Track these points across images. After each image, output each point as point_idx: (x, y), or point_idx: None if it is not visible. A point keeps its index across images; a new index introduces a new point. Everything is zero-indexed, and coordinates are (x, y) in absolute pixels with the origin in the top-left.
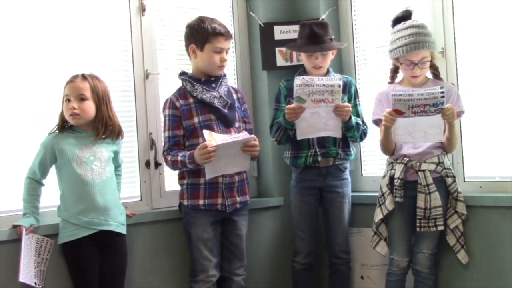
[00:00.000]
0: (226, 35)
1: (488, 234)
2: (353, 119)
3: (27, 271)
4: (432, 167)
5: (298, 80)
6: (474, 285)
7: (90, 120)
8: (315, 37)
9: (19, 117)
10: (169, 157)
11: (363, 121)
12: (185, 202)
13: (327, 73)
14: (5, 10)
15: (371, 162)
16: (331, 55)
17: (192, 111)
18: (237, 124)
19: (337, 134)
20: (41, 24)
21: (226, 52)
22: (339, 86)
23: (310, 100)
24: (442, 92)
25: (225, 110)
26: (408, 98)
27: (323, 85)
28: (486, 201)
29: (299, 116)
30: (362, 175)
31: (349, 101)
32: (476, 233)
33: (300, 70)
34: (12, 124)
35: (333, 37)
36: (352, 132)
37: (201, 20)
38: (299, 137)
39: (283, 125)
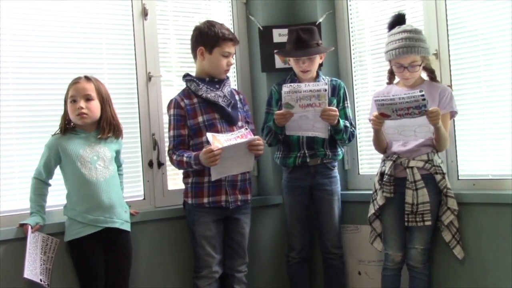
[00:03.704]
0: (234, 41)
1: (482, 231)
2: (342, 122)
3: (32, 268)
4: (421, 164)
5: (285, 88)
6: (468, 281)
7: (96, 119)
8: (301, 42)
9: (21, 118)
10: (174, 157)
11: (351, 124)
12: (190, 201)
13: (317, 76)
14: (9, 14)
15: (368, 161)
16: (318, 59)
17: (196, 110)
18: (240, 123)
19: (324, 135)
20: (46, 28)
21: (232, 57)
22: (325, 90)
23: (298, 106)
24: (423, 95)
25: (229, 109)
26: (390, 103)
27: (310, 90)
28: (479, 198)
29: (288, 120)
30: (359, 173)
31: (338, 103)
32: (469, 230)
33: (291, 74)
34: (14, 125)
35: (320, 41)
36: (340, 135)
37: (211, 24)
38: (288, 133)
39: (273, 129)
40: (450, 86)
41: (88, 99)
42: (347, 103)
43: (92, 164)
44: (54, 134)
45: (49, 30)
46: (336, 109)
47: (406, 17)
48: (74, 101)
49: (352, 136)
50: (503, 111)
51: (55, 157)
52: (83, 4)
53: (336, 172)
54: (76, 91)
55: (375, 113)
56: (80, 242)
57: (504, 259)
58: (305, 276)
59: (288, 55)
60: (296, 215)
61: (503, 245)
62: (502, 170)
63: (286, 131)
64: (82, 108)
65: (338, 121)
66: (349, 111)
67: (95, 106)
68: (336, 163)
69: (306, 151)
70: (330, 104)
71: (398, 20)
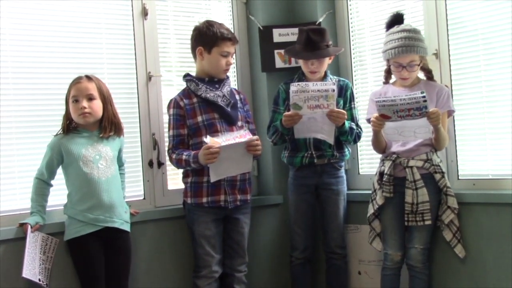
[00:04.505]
0: (233, 40)
1: (482, 231)
2: (347, 124)
3: (31, 268)
4: (420, 163)
5: (293, 87)
6: (468, 281)
7: (98, 118)
8: (311, 43)
9: (22, 118)
10: (173, 156)
11: (357, 124)
12: (189, 200)
13: (324, 76)
14: (9, 14)
15: (368, 161)
16: (327, 60)
17: (196, 110)
18: (239, 123)
19: (330, 139)
20: (46, 28)
21: (231, 56)
22: (333, 90)
23: (306, 107)
24: (424, 97)
25: (228, 109)
26: (391, 104)
27: (318, 90)
28: (479, 198)
29: (297, 123)
30: (359, 173)
31: (344, 104)
32: (469, 229)
33: (299, 73)
34: (14, 125)
35: (330, 43)
36: (345, 137)
37: (210, 24)
38: (296, 136)
39: (280, 130)
40: (450, 86)
41: (90, 98)
42: (354, 104)
43: (94, 163)
44: (57, 134)
45: (50, 30)
46: (345, 112)
47: (405, 16)
48: (76, 101)
49: (358, 138)
50: (503, 111)
51: (57, 157)
52: (83, 4)
53: (342, 172)
54: (78, 91)
55: (376, 114)
56: (79, 241)
57: (504, 259)
58: (307, 277)
59: (297, 56)
60: (301, 213)
61: (503, 245)
62: (502, 170)
63: (295, 134)
64: (85, 108)
65: (344, 123)
66: (355, 112)
67: (97, 106)
68: (343, 163)
69: (313, 152)
70: (337, 104)
71: (396, 19)
